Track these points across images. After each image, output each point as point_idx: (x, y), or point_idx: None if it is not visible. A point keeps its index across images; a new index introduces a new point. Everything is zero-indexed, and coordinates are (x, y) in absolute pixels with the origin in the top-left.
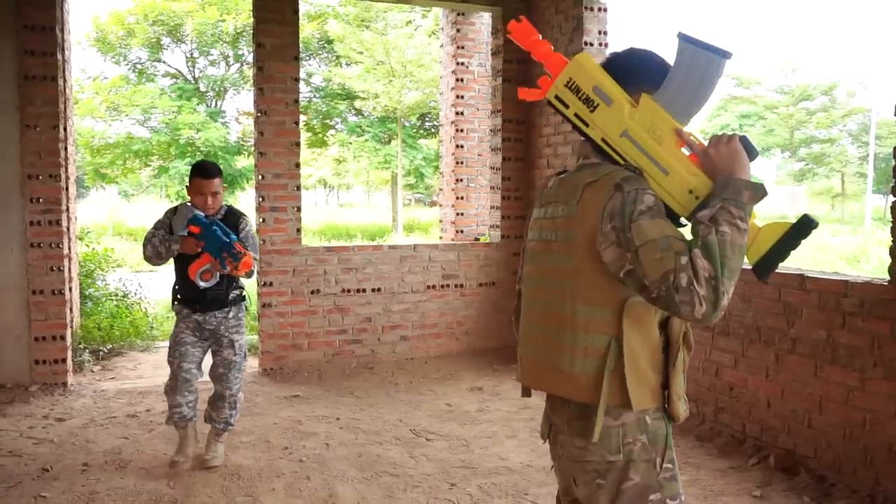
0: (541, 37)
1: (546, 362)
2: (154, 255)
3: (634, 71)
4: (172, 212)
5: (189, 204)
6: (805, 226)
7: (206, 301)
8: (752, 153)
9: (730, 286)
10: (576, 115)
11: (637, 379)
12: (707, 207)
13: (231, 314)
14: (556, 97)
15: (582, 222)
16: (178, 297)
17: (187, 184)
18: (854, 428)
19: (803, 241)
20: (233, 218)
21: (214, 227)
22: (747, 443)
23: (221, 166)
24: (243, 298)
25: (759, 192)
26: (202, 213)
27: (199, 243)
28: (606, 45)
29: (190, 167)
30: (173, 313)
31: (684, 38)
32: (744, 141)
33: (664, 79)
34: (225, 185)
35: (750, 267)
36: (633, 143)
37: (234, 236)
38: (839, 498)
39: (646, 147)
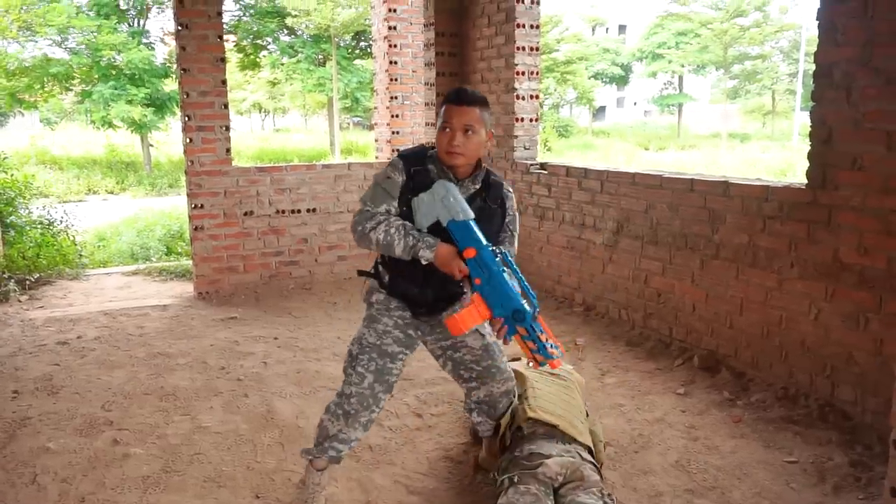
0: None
1: None
2: (384, 247)
3: None
4: (407, 174)
5: (438, 169)
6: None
7: (438, 304)
8: None
9: None
10: None
11: None
12: None
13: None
14: None
15: None
16: (388, 287)
17: (437, 120)
18: (771, 326)
19: None
20: (495, 191)
21: (503, 269)
22: (673, 346)
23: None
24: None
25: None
26: (480, 236)
27: (471, 278)
28: (538, 2)
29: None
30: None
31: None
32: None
33: None
34: (159, 108)
35: None
36: None
37: (533, 296)
38: (756, 392)
39: None
